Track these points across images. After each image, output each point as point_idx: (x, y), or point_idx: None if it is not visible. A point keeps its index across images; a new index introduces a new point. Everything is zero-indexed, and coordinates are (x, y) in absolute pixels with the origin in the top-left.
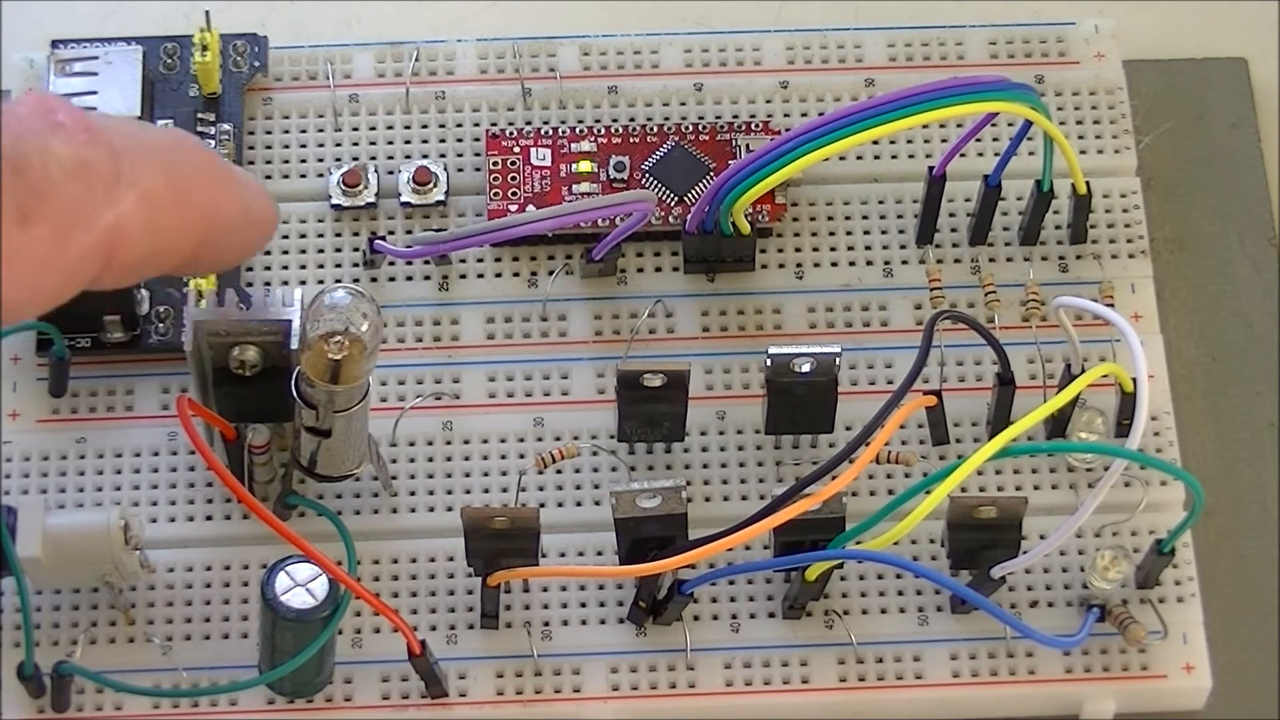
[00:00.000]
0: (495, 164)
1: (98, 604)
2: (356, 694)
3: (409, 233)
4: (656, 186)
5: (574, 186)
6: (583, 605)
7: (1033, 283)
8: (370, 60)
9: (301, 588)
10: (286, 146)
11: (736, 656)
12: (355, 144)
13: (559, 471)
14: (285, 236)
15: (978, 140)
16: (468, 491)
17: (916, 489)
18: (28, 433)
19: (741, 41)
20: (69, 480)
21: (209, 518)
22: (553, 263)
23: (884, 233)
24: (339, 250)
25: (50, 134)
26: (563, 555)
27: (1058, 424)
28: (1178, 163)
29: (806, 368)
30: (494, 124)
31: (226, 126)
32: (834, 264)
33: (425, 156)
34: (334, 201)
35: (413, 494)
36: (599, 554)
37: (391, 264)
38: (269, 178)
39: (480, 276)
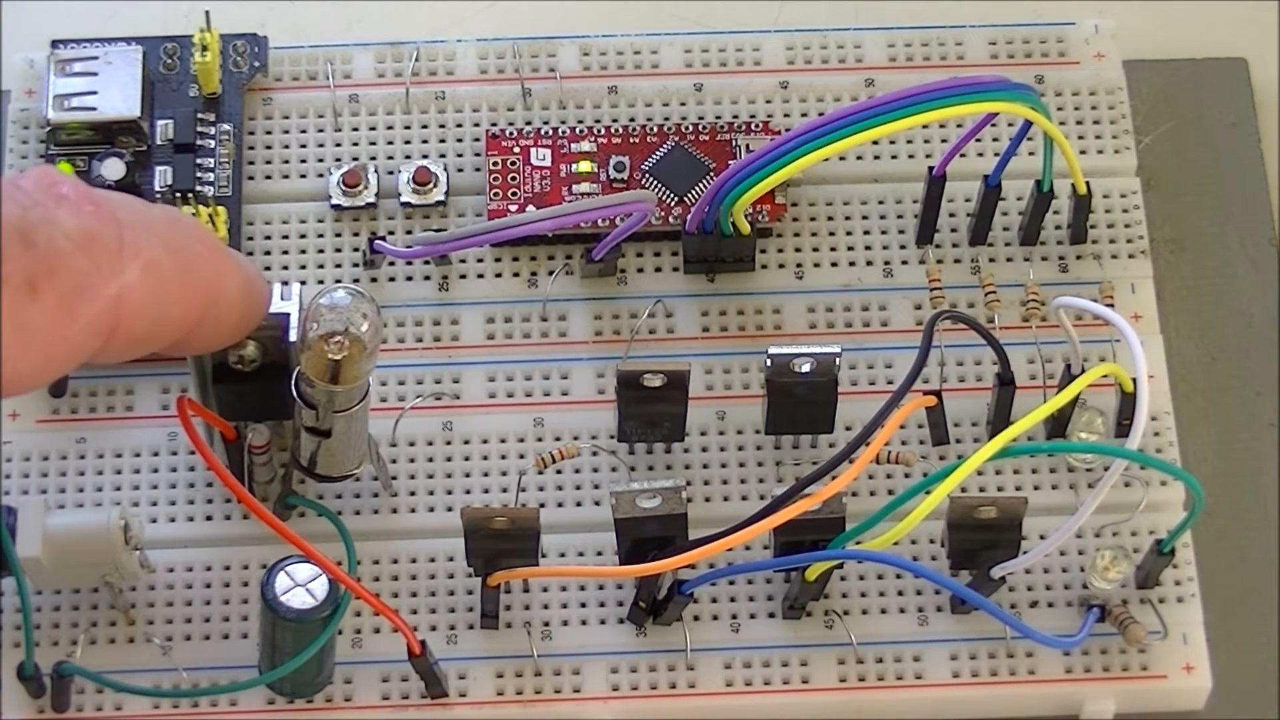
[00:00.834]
0: (495, 164)
1: (98, 604)
2: (356, 694)
3: (409, 233)
4: (656, 186)
5: (574, 186)
6: (583, 605)
7: (1033, 283)
8: (370, 60)
9: (301, 588)
10: (286, 146)
11: (736, 656)
12: (355, 144)
13: (559, 471)
14: (285, 236)
15: (978, 140)
16: (468, 491)
17: (916, 489)
18: (28, 433)
19: (741, 41)
20: (69, 480)
21: (209, 518)
22: (553, 263)
23: (884, 233)
24: (339, 250)
25: (55, 206)
26: (563, 555)
27: (1058, 424)
28: (1178, 163)
29: (806, 368)
30: (494, 124)
31: (226, 126)
32: (834, 264)
33: (425, 156)
34: (334, 201)
35: (413, 494)
36: (599, 554)
37: (391, 264)
38: (269, 178)
39: (480, 276)
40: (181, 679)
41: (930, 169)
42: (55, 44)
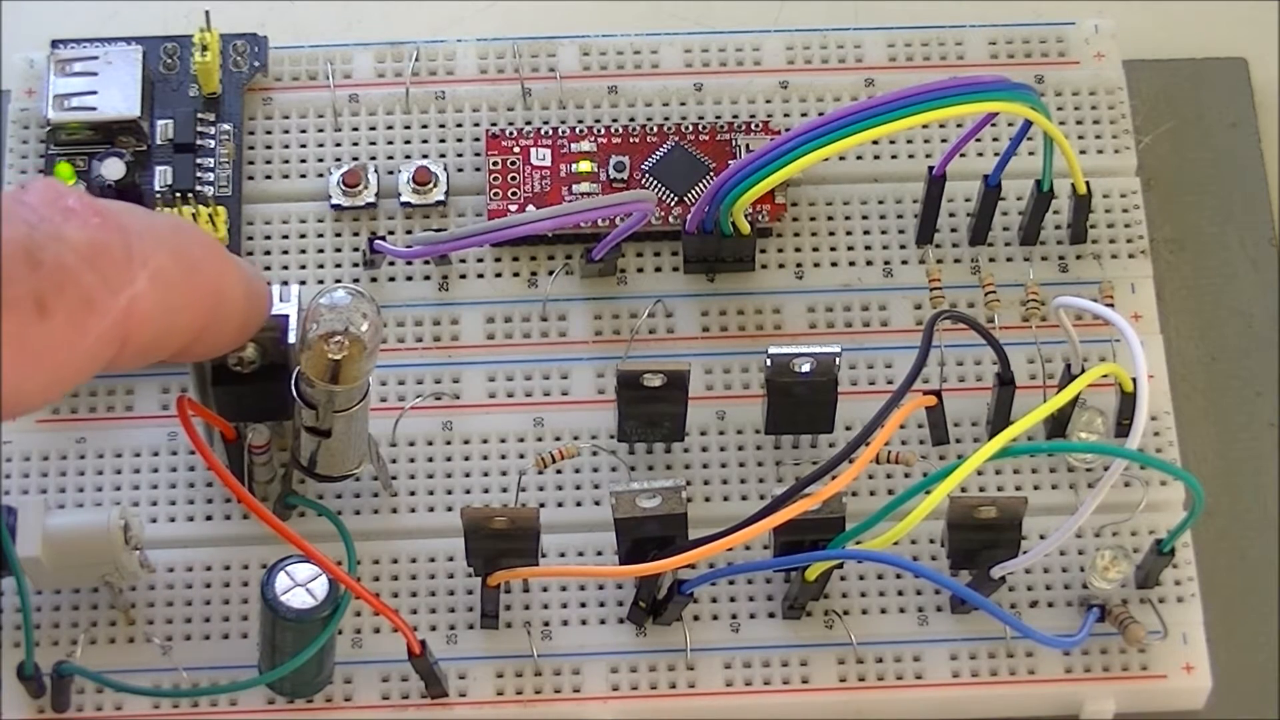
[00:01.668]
0: (495, 164)
1: (98, 604)
2: (356, 694)
3: (409, 233)
4: (656, 186)
5: (574, 186)
6: (583, 605)
7: (1033, 283)
8: (370, 60)
9: (301, 588)
10: (286, 146)
11: (736, 656)
12: (355, 144)
13: (559, 471)
14: (285, 236)
15: (978, 140)
16: (468, 491)
17: (916, 489)
18: (28, 433)
19: (741, 41)
20: (69, 480)
21: (209, 518)
22: (553, 263)
23: (884, 233)
24: (339, 250)
25: (62, 220)
26: (563, 555)
27: (1058, 424)
28: (1178, 163)
29: (806, 368)
30: (494, 124)
31: (226, 126)
32: (834, 264)
33: (425, 156)
34: (334, 201)
35: (413, 494)
36: (599, 554)
37: (391, 264)
38: (269, 178)
39: (480, 276)
40: (181, 679)
41: (930, 169)
42: (55, 44)
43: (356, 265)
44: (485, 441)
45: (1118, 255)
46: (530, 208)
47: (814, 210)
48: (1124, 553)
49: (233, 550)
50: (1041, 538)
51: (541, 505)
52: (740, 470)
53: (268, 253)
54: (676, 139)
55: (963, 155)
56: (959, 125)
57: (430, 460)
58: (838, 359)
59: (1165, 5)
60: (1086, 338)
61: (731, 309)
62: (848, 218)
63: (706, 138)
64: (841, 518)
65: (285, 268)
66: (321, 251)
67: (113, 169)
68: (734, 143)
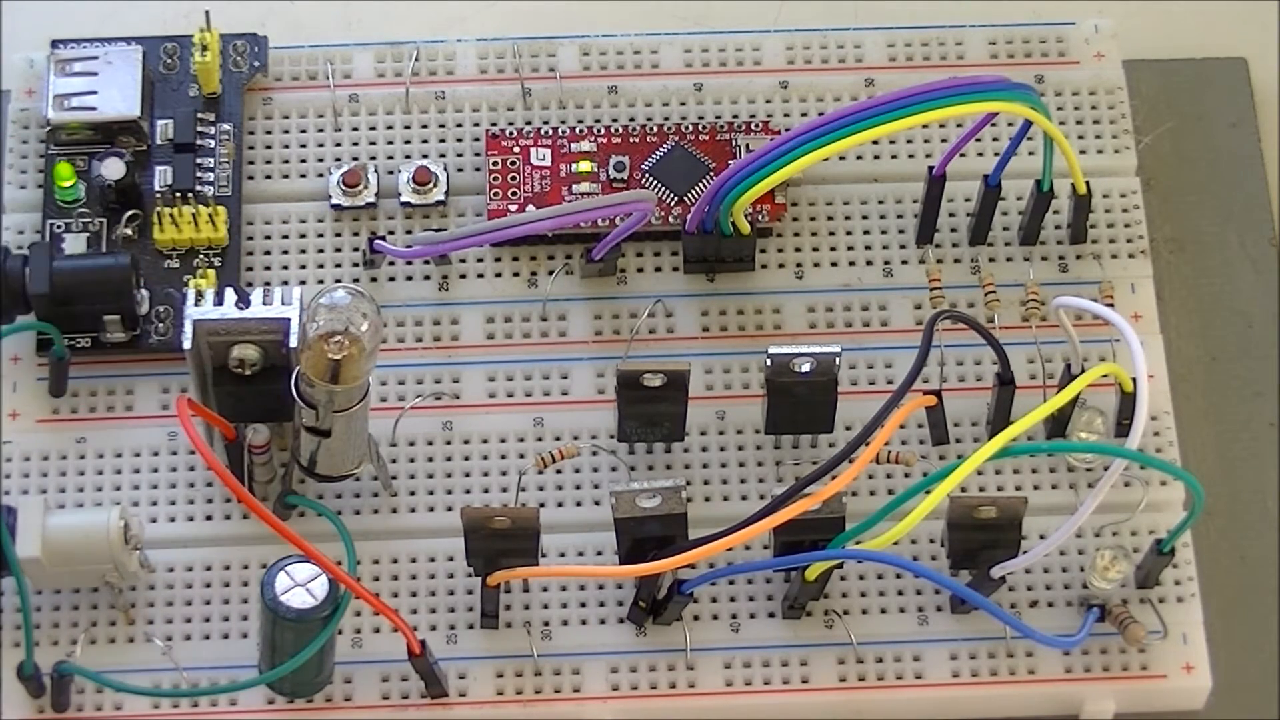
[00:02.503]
0: (495, 164)
1: (98, 604)
2: (356, 694)
3: (409, 233)
4: (656, 186)
5: (574, 186)
6: (583, 605)
7: (1033, 283)
8: (370, 60)
9: (301, 588)
10: (286, 146)
11: (736, 656)
12: (355, 144)
13: (559, 471)
14: (285, 236)
15: (978, 140)
16: (468, 491)
17: (916, 489)
18: (28, 433)
19: (741, 41)
20: (69, 480)
21: (209, 518)
22: (553, 263)
23: (884, 233)
24: (339, 250)
25: None
26: (563, 555)
27: (1058, 424)
28: (1178, 163)
29: (806, 368)
30: (494, 124)
31: (226, 126)
32: (834, 264)
33: (425, 156)
34: (334, 201)
35: (413, 494)
36: (599, 554)
37: (391, 264)
38: (269, 178)
39: (480, 276)
40: (181, 679)
41: (930, 169)
42: (55, 44)
43: (356, 265)
44: (485, 441)
45: (1118, 255)
46: (530, 208)
47: (814, 210)
48: (1124, 553)
49: (233, 550)
50: (1041, 538)
51: (541, 505)
52: (740, 470)
53: (268, 253)
54: (676, 139)
55: (963, 155)
56: (959, 125)
57: (430, 460)
58: (838, 359)
59: (1165, 5)
60: (1086, 338)
61: (731, 309)
62: (848, 218)
63: (706, 138)
64: (841, 518)
65: (285, 268)
66: (321, 251)
67: (113, 169)
68: (734, 143)
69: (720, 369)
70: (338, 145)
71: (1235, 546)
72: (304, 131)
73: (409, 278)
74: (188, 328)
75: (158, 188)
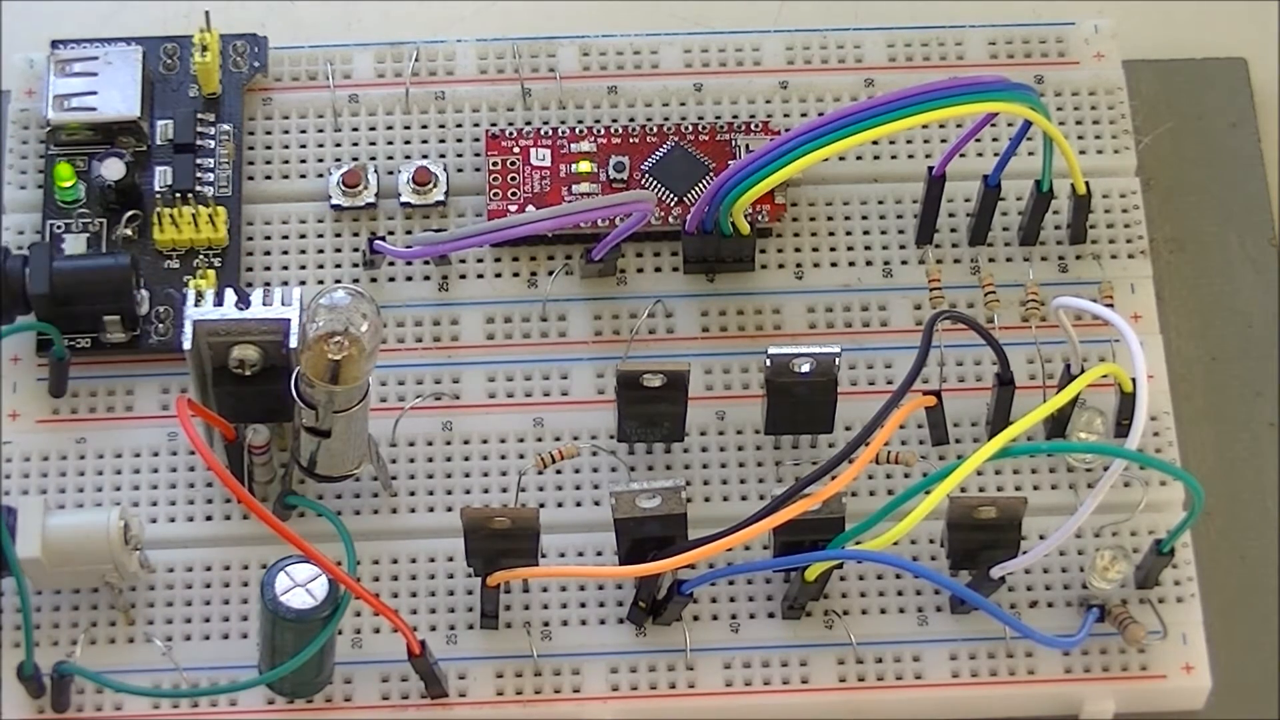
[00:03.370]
0: (495, 164)
1: (98, 604)
2: (356, 694)
3: (409, 233)
4: (656, 186)
5: (574, 187)
6: (583, 605)
7: (1032, 283)
8: (370, 60)
9: (301, 588)
10: (286, 147)
11: (736, 656)
12: (355, 144)
13: (559, 471)
14: (285, 237)
15: (977, 140)
16: (468, 491)
17: (916, 489)
18: (28, 433)
19: (741, 41)
20: (69, 480)
21: (209, 518)
22: (553, 263)
23: (884, 233)
24: (339, 250)
25: None
26: (563, 555)
27: (1057, 424)
28: (1177, 163)
29: (806, 368)
30: (494, 124)
31: (226, 127)
32: (834, 264)
33: (425, 157)
34: (334, 201)
35: (413, 494)
36: (599, 554)
37: (391, 264)
38: (269, 178)
39: (480, 276)
40: (181, 679)
41: (930, 169)
42: (55, 44)
43: (356, 265)
44: (485, 441)
45: (1117, 255)
46: (530, 208)
47: (814, 210)
48: (1124, 553)
49: (233, 550)
50: (1041, 538)
51: (541, 505)
52: (740, 470)
53: (268, 253)
54: (676, 139)
55: (962, 155)
56: (959, 125)
57: (430, 460)
58: (837, 359)
59: (1165, 5)
60: (1086, 338)
61: (731, 309)
62: (848, 218)
63: (706, 138)
64: (841, 518)
65: (285, 268)
66: (321, 252)
67: (113, 169)
68: (734, 143)
69: (720, 369)
70: (338, 145)
71: (1235, 546)
72: (304, 132)
73: (409, 278)
74: (188, 328)
75: (158, 188)
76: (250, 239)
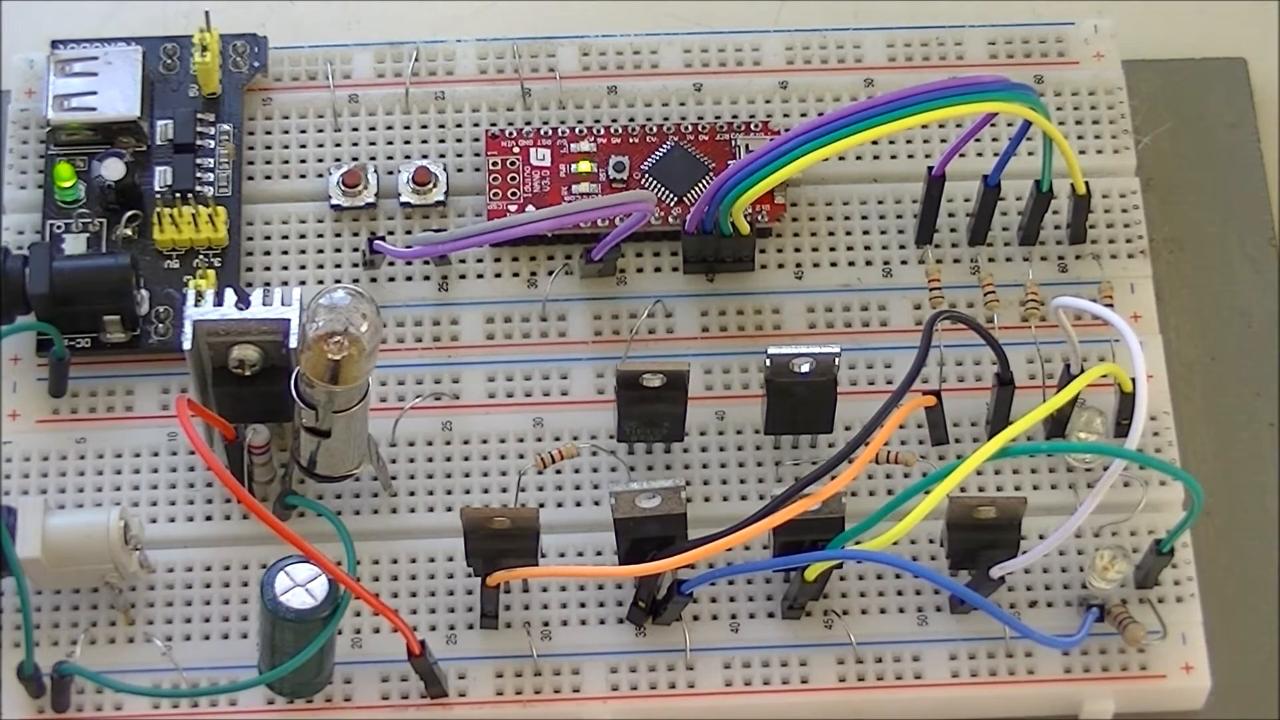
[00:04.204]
0: (495, 164)
1: (98, 604)
2: (356, 694)
3: (409, 233)
4: (656, 187)
5: (574, 187)
6: (582, 605)
7: (1032, 283)
8: (370, 60)
9: (301, 588)
10: (286, 147)
11: (736, 656)
12: (355, 144)
13: (559, 472)
14: (285, 237)
15: (977, 140)
16: (468, 491)
17: (916, 489)
18: (28, 433)
19: (741, 41)
20: (69, 480)
21: (209, 518)
22: (552, 263)
23: (884, 233)
24: (339, 250)
25: None
26: (563, 555)
27: (1057, 424)
28: (1177, 163)
29: (806, 368)
30: (494, 124)
31: (226, 127)
32: (834, 264)
33: (425, 157)
34: (334, 201)
35: (413, 494)
36: (599, 554)
37: (391, 264)
38: (269, 178)
39: (480, 277)
40: (181, 679)
41: (930, 169)
42: (55, 44)
43: (356, 265)
44: (485, 441)
45: (1117, 255)
46: (530, 208)
47: (814, 210)
48: (1123, 553)
49: (233, 550)
50: (1041, 538)
51: (541, 505)
52: (740, 470)
53: (267, 253)
54: (676, 139)
55: (962, 155)
56: (958, 125)
57: (430, 460)
58: (837, 359)
59: (1165, 5)
60: (1086, 338)
61: (731, 309)
62: (847, 218)
63: (706, 138)
64: (841, 518)
65: (285, 268)
66: (321, 252)
67: (113, 169)
68: (734, 143)
69: (720, 369)
70: (337, 145)
71: (1235, 546)
72: (304, 132)
73: (409, 278)
74: (187, 328)
75: (158, 188)
76: (250, 239)
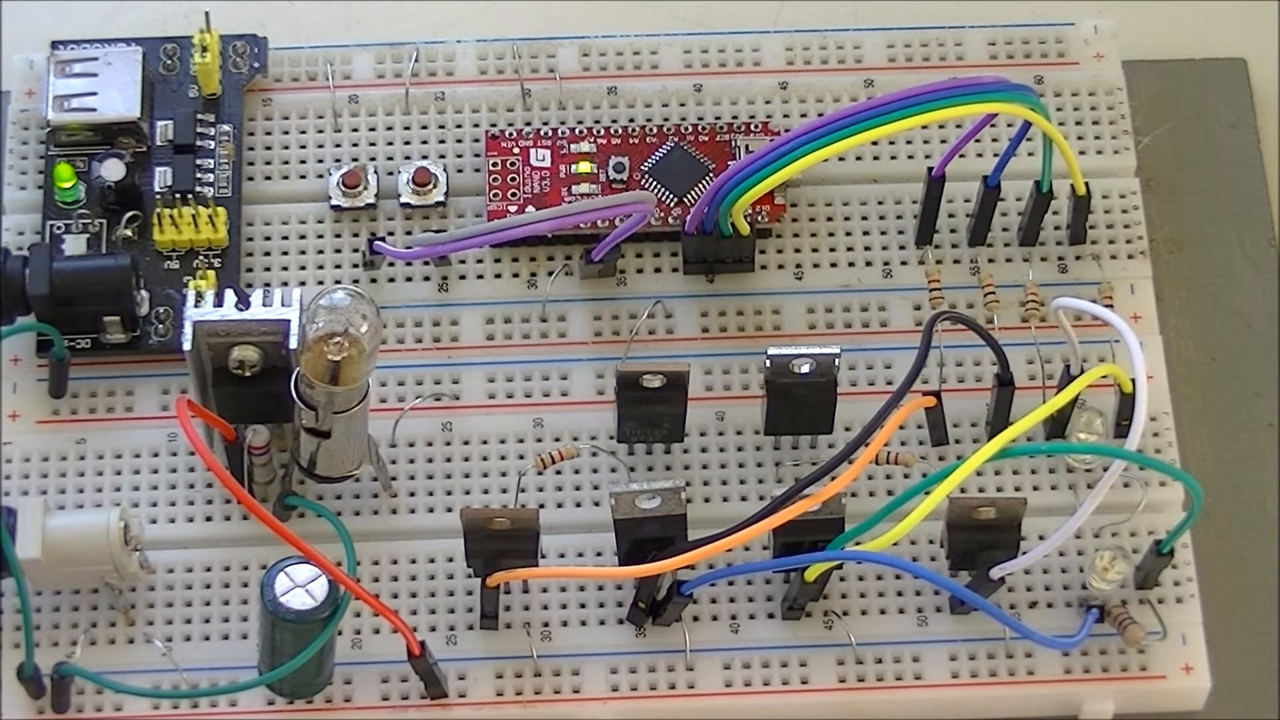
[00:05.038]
0: (495, 165)
1: (98, 604)
2: (356, 694)
3: (409, 233)
4: (656, 187)
5: (574, 187)
6: (582, 606)
7: (1032, 283)
8: (370, 61)
9: (301, 589)
10: (286, 147)
11: (736, 657)
12: (355, 145)
13: (559, 472)
14: (285, 237)
15: (977, 141)
16: (468, 492)
17: (916, 490)
18: (28, 433)
19: (741, 42)
20: (69, 481)
21: (209, 518)
22: (552, 263)
23: (884, 233)
24: (339, 251)
25: None
26: (563, 556)
27: (1057, 425)
28: (1177, 163)
29: (806, 368)
30: (494, 125)
31: (226, 127)
32: (834, 264)
33: (425, 157)
34: (334, 202)
35: (413, 494)
36: (599, 554)
37: (391, 265)
38: (269, 178)
39: (480, 277)
40: (181, 680)
41: (930, 169)
42: (55, 44)
43: (356, 266)
44: (485, 442)
45: (1117, 256)
46: (530, 209)
47: (814, 211)
48: (1123, 553)
49: (233, 551)
50: (1041, 538)
51: (541, 506)
52: (740, 471)
53: (267, 254)
54: (676, 140)
55: (962, 156)
56: (958, 126)
57: (430, 461)
58: (837, 360)
59: (1165, 5)
60: (1086, 338)
61: (731, 310)
62: (847, 218)
63: (706, 138)
64: (841, 519)
65: (285, 269)
66: (321, 252)
67: (113, 170)
68: (733, 143)
69: (720, 370)
70: (337, 146)
71: (1235, 547)
72: (304, 132)
73: (409, 279)
74: (187, 329)
75: (158, 189)
76: (250, 240)
